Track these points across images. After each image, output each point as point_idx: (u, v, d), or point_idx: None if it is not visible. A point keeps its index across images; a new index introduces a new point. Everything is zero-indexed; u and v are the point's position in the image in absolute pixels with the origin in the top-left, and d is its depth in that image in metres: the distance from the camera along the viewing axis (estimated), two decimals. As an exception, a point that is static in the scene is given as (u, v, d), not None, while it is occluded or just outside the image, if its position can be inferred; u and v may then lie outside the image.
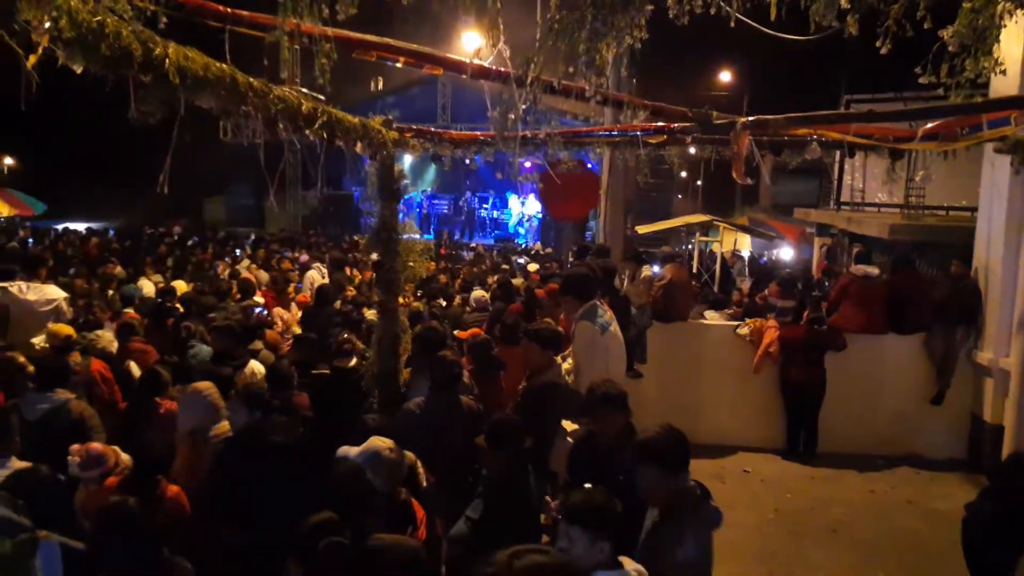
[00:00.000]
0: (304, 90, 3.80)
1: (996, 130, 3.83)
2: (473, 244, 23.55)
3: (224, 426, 4.37)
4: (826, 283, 10.77)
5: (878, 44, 2.56)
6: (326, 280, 10.43)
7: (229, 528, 3.87)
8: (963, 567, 4.60)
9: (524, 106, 3.09)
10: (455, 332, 7.09)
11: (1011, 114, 3.74)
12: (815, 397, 7.75)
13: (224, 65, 3.31)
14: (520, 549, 1.71)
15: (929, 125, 3.86)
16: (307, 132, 3.96)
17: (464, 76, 3.42)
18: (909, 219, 11.27)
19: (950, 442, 7.80)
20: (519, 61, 2.92)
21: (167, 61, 2.89)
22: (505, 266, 14.14)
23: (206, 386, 4.56)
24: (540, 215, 25.99)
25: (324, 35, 3.22)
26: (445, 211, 27.34)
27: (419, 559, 3.21)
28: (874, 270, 8.12)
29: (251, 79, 3.45)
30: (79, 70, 2.58)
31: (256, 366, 5.75)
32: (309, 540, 2.84)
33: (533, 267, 13.65)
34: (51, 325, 5.95)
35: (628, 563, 2.78)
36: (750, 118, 3.64)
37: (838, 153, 10.35)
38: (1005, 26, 2.70)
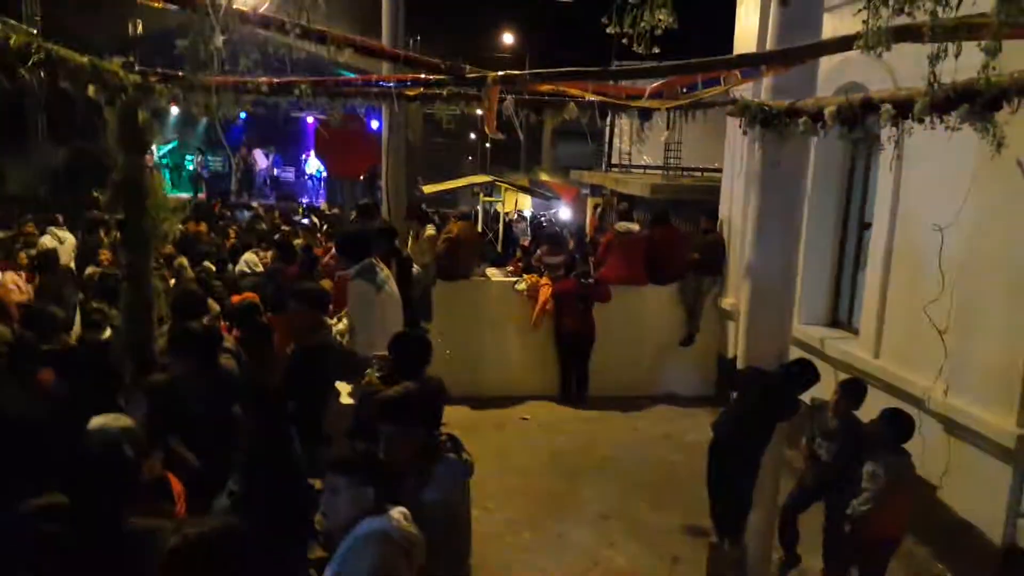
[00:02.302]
0: (10, 21, 3.30)
1: (708, 89, 4.23)
2: (254, 204, 22.24)
3: None
4: (598, 240, 11.44)
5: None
6: (66, 244, 9.35)
7: None
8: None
9: (223, 37, 2.89)
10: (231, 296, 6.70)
11: (720, 75, 4.14)
12: (585, 345, 8.27)
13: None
14: (175, 525, 1.65)
15: (655, 84, 4.17)
16: (20, 71, 3.45)
17: (183, 10, 3.13)
18: (668, 180, 12.26)
19: (701, 381, 8.70)
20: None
21: None
22: (285, 227, 13.51)
23: None
24: (322, 172, 25.08)
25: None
26: (219, 168, 25.50)
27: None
28: (635, 226, 8.75)
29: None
30: None
31: None
32: (26, 528, 2.53)
33: (315, 223, 13.19)
34: None
35: (391, 508, 2.82)
36: (500, 73, 3.72)
37: (610, 117, 10.98)
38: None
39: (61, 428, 3.63)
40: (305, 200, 24.55)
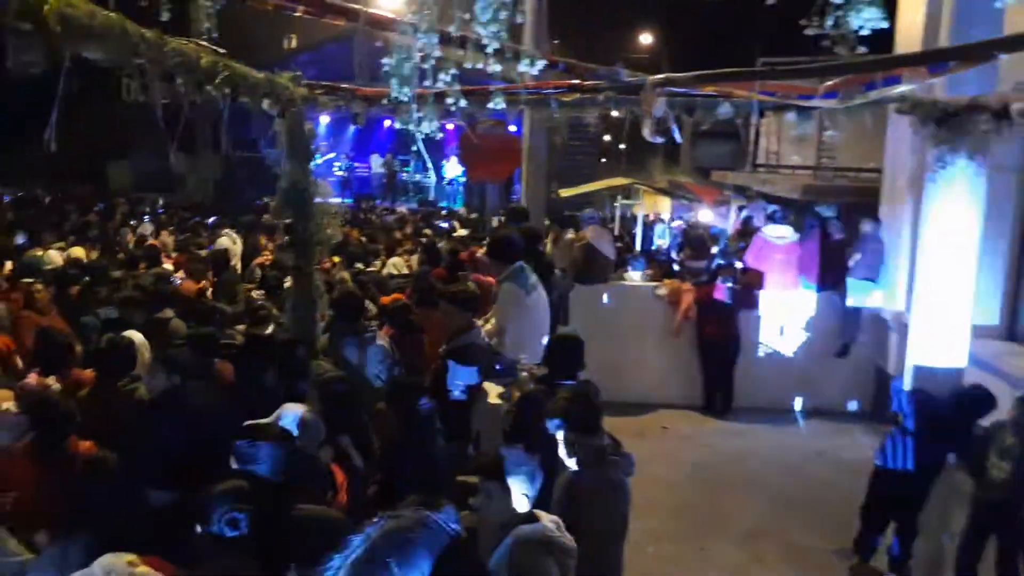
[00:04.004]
0: (203, 43, 3.59)
1: (890, 87, 3.96)
2: (397, 209, 23.13)
3: None
4: (741, 244, 11.05)
5: (767, -2, 2.59)
6: (237, 246, 10.10)
7: (145, 489, 3.77)
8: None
9: (420, 53, 2.98)
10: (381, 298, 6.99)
11: (902, 72, 3.87)
12: (730, 354, 7.99)
13: (113, 14, 3.09)
14: (375, 519, 1.67)
15: (830, 82, 3.96)
16: (208, 88, 3.76)
17: (367, 27, 3.28)
18: (820, 180, 11.64)
19: (857, 395, 8.19)
20: (414, 9, 2.83)
21: (47, 7, 2.70)
22: (427, 230, 13.96)
23: None
24: (462, 178, 25.66)
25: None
26: (366, 175, 26.71)
27: (341, 529, 3.12)
28: (786, 230, 8.36)
29: (143, 30, 3.24)
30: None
31: (135, 336, 5.41)
32: (213, 509, 2.74)
33: (462, 232, 13.54)
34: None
35: (543, 516, 2.84)
36: (659, 76, 3.65)
37: (754, 115, 10.57)
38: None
39: (237, 417, 3.94)
40: (443, 204, 25.25)
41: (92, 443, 3.85)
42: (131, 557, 2.03)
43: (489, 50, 3.00)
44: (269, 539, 2.81)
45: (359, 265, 8.83)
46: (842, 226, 8.40)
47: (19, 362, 5.38)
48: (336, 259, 8.39)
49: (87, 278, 7.35)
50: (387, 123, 24.66)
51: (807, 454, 7.19)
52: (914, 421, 4.61)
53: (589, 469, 3.20)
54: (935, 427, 4.45)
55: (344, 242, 10.31)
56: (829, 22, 2.56)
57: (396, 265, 9.41)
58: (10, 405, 4.07)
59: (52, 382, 4.46)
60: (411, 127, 4.26)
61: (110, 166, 25.30)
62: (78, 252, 9.03)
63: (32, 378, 4.50)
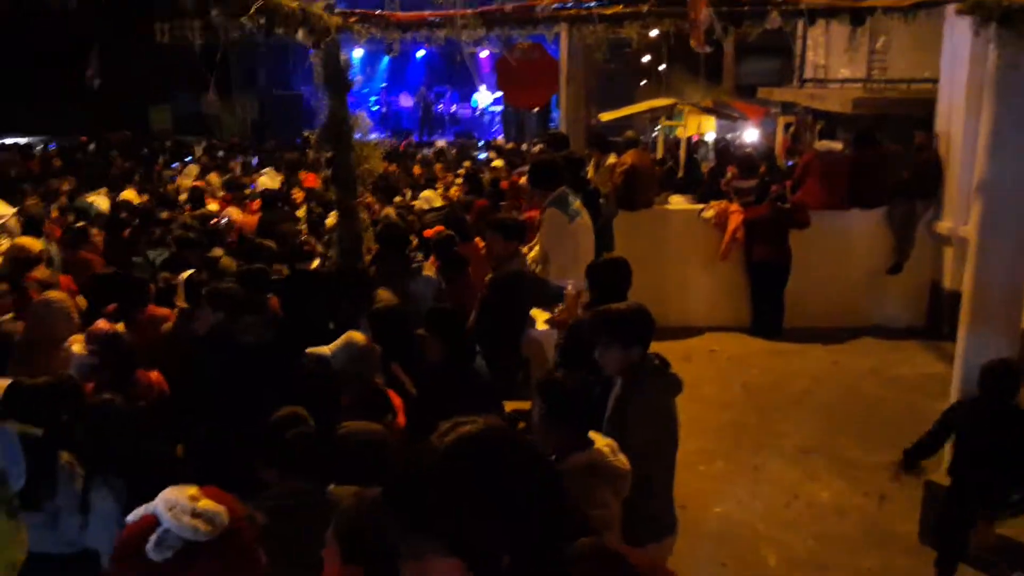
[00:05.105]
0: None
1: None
2: (435, 142, 22.95)
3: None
4: (789, 162, 10.74)
5: None
6: (276, 185, 10.17)
7: (197, 424, 3.92)
8: (919, 428, 4.77)
9: None
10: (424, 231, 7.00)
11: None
12: (780, 275, 7.83)
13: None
14: (448, 424, 1.66)
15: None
16: (243, 20, 3.71)
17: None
18: (871, 93, 11.15)
19: (910, 311, 8.00)
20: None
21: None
22: (466, 162, 13.84)
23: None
24: (498, 107, 25.22)
25: None
26: (400, 109, 26.49)
27: (383, 442, 3.18)
28: (837, 145, 8.10)
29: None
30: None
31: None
32: (275, 435, 2.82)
33: (499, 163, 13.39)
34: (19, 240, 5.77)
35: (599, 439, 2.84)
36: (707, -19, 3.48)
37: (800, 27, 10.10)
38: None
39: (285, 351, 4.03)
40: (479, 136, 24.92)
41: (159, 373, 4.00)
42: (193, 490, 2.08)
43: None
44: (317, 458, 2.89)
45: (398, 199, 8.83)
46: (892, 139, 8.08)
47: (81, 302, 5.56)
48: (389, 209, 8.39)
49: (136, 221, 7.51)
50: (420, 53, 24.31)
51: (860, 372, 7.09)
52: (962, 433, 4.32)
53: (638, 389, 3.17)
54: (985, 433, 4.12)
55: (384, 176, 10.31)
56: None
57: (428, 198, 9.35)
58: (79, 347, 4.25)
59: (120, 328, 4.62)
60: (456, 38, 4.13)
61: (151, 110, 25.50)
62: (129, 195, 9.19)
63: (101, 323, 4.64)
